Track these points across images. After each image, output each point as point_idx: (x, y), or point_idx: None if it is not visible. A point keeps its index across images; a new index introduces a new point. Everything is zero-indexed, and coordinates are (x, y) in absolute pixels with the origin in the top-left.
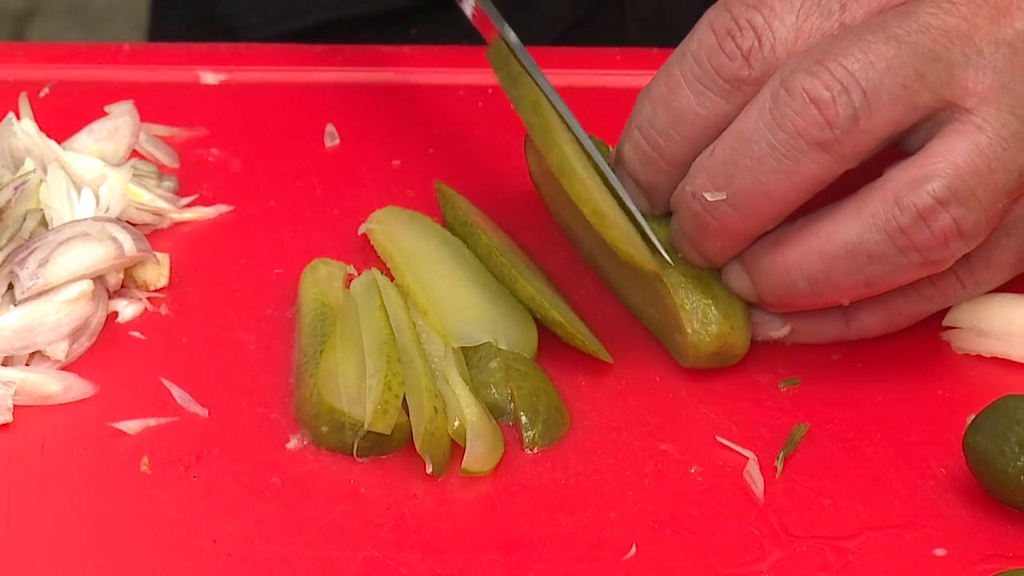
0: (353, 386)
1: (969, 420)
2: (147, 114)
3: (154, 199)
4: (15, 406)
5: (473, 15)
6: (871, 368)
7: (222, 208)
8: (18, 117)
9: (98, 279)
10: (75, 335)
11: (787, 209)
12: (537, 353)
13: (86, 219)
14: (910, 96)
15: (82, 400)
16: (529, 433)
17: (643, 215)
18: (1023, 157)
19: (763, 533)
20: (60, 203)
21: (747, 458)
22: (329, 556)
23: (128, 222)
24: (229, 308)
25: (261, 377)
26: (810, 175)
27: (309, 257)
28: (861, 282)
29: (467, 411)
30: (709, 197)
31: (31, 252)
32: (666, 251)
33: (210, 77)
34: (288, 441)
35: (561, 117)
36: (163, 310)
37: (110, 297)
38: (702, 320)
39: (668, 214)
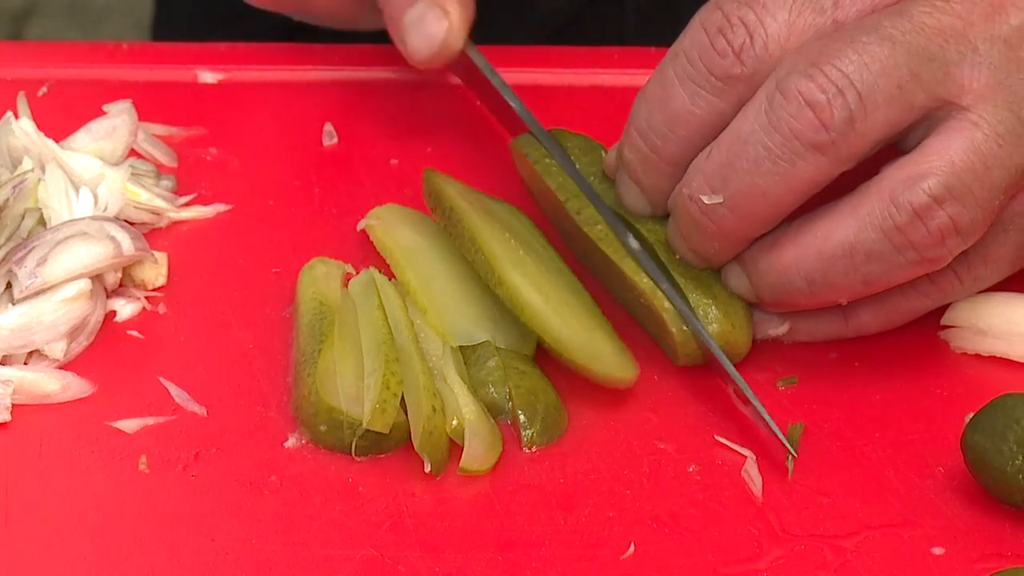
0: (351, 385)
1: (967, 419)
2: (145, 113)
3: (152, 198)
4: (13, 405)
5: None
6: (869, 367)
7: (220, 207)
8: (16, 116)
9: (96, 278)
10: (73, 334)
11: (784, 211)
12: (535, 352)
13: (84, 218)
14: (906, 96)
15: (80, 399)
16: (527, 432)
17: (643, 216)
18: (1020, 154)
19: (761, 532)
20: (58, 202)
21: (745, 457)
22: (327, 555)
23: (126, 221)
24: (227, 307)
25: (259, 376)
26: (806, 177)
27: (307, 256)
28: (859, 281)
29: (465, 410)
30: (706, 200)
31: (29, 251)
32: (664, 251)
33: (208, 76)
34: (286, 440)
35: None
36: (161, 309)
37: (108, 296)
38: (703, 319)
39: (667, 215)
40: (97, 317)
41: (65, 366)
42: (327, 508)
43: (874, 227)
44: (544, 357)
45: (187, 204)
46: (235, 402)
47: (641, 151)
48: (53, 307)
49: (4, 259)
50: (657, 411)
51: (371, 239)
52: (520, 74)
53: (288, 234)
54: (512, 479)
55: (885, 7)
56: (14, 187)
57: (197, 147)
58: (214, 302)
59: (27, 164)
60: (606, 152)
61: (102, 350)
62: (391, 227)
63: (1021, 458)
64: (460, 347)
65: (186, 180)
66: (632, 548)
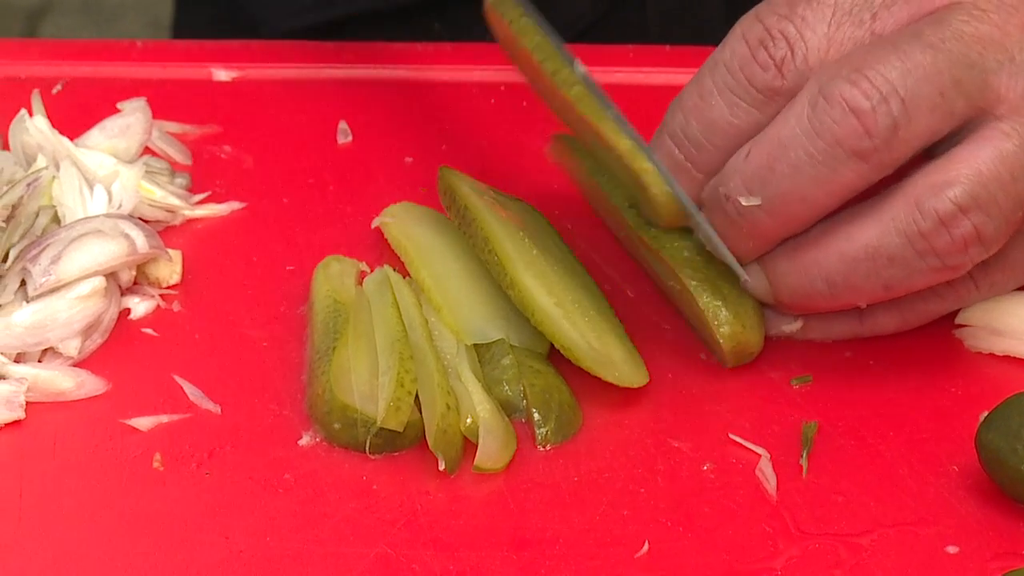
0: (365, 383)
1: (982, 418)
2: (160, 111)
3: (166, 196)
4: (28, 402)
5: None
6: (883, 365)
7: (234, 205)
8: (31, 114)
9: (110, 276)
10: (88, 332)
11: (820, 215)
12: (549, 350)
13: (98, 216)
14: (947, 104)
15: (95, 397)
16: (541, 430)
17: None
18: None
19: (776, 530)
20: (72, 200)
21: (760, 455)
22: (341, 553)
23: (140, 219)
24: (241, 305)
25: (273, 374)
26: (846, 183)
27: (321, 254)
28: (880, 285)
29: (479, 408)
30: (744, 201)
31: (43, 249)
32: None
33: (223, 74)
34: (300, 438)
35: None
36: (175, 307)
37: (122, 294)
38: (713, 320)
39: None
40: (111, 315)
41: (79, 364)
42: (341, 506)
43: (898, 232)
44: (558, 355)
45: (201, 202)
46: (249, 400)
47: (674, 158)
48: (67, 305)
49: (18, 257)
50: (671, 410)
51: (386, 237)
52: None
53: (302, 232)
54: (526, 477)
55: (923, 18)
56: (28, 185)
57: (211, 145)
58: (228, 300)
59: (41, 162)
60: None
61: (116, 348)
62: (406, 225)
63: None
64: (474, 345)
65: (200, 178)
66: (646, 546)
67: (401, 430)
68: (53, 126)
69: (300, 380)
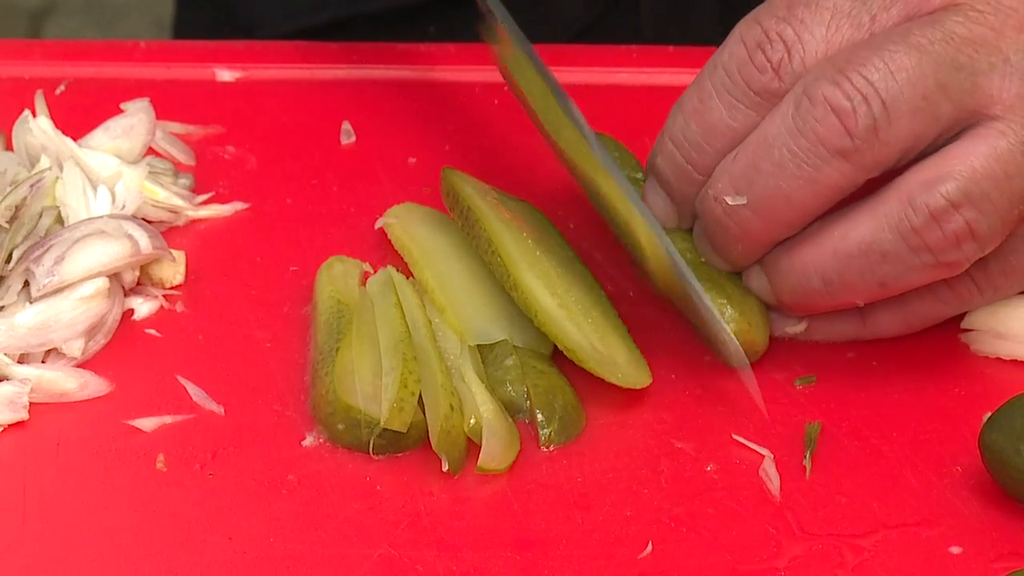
0: (369, 384)
1: (985, 418)
2: (163, 111)
3: (170, 196)
4: (31, 403)
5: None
6: (887, 366)
7: (238, 205)
8: (34, 114)
9: (114, 276)
10: (91, 332)
11: (808, 216)
12: (553, 351)
13: (102, 216)
14: (931, 107)
15: (98, 397)
16: (545, 431)
17: (670, 229)
18: None
19: (779, 531)
20: (76, 200)
21: (763, 456)
22: (345, 554)
23: (144, 219)
24: (245, 306)
25: (277, 375)
26: (830, 183)
27: (325, 255)
28: (875, 282)
29: (483, 409)
30: (730, 201)
31: (47, 249)
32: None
33: (226, 74)
34: (304, 439)
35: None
36: (179, 308)
37: (126, 295)
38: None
39: (690, 230)
40: (115, 316)
41: (83, 364)
42: (345, 507)
43: (891, 228)
44: (562, 356)
45: (205, 202)
46: (253, 401)
47: (675, 161)
48: (71, 305)
49: (22, 257)
50: (674, 410)
51: (389, 238)
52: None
53: (306, 232)
54: (530, 478)
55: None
56: (32, 185)
57: (215, 145)
58: (232, 301)
59: (45, 162)
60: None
61: (120, 348)
62: (409, 226)
63: None
64: (478, 346)
65: (204, 178)
66: (650, 547)
67: (405, 431)
68: (57, 127)
69: (303, 381)
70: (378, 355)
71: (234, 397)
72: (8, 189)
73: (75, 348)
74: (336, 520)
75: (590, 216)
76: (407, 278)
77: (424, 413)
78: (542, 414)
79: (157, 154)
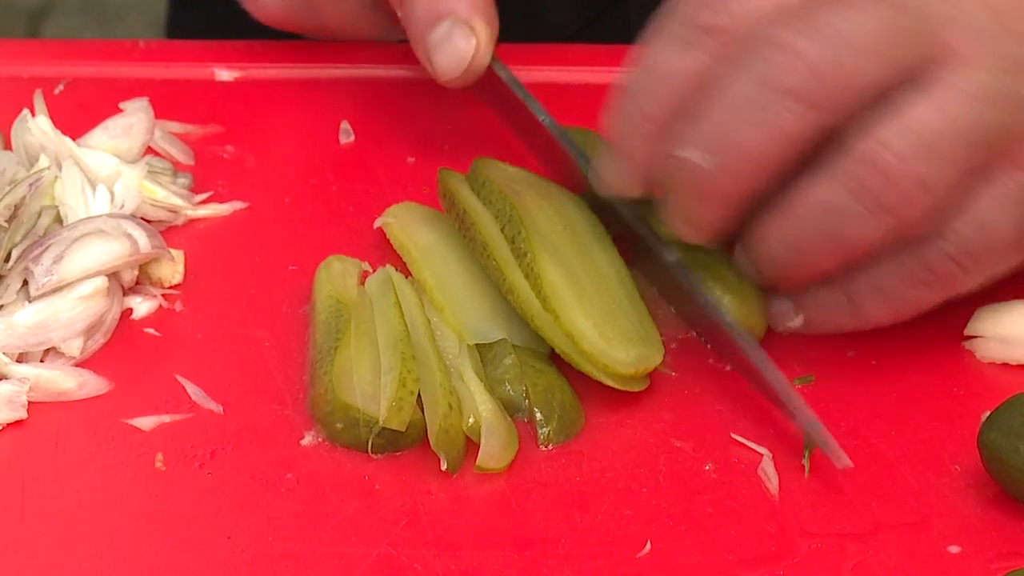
0: (368, 383)
1: (984, 417)
2: (162, 111)
3: (169, 196)
4: (30, 402)
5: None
6: (886, 366)
7: (237, 205)
8: (33, 114)
9: (113, 276)
10: (90, 331)
11: (769, 166)
12: (552, 350)
13: (101, 216)
14: (890, 50)
15: (97, 396)
16: (544, 430)
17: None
18: (993, 115)
19: (778, 530)
20: (75, 200)
21: (762, 455)
22: (343, 552)
23: (143, 219)
24: (244, 305)
25: (276, 374)
26: (787, 126)
27: (324, 254)
28: (830, 240)
29: (482, 408)
30: (688, 155)
31: (46, 249)
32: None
33: (225, 74)
34: (303, 438)
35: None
36: (178, 307)
37: (125, 294)
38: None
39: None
40: (114, 315)
41: (81, 364)
42: (343, 506)
43: (840, 183)
44: (560, 355)
45: (204, 202)
46: (252, 400)
47: (630, 116)
48: (70, 305)
49: (21, 257)
50: (673, 409)
51: (388, 237)
52: (535, 72)
53: (305, 232)
54: (528, 477)
55: None
56: (31, 185)
57: (214, 145)
58: (231, 300)
59: (44, 162)
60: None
61: (119, 348)
62: (407, 225)
63: None
64: (477, 345)
65: (203, 178)
66: (648, 546)
67: (403, 430)
68: (55, 126)
69: (302, 380)
70: (377, 354)
71: (233, 396)
72: (7, 188)
73: (74, 347)
74: (335, 519)
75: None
76: (406, 277)
77: (423, 412)
78: (541, 413)
79: (156, 153)
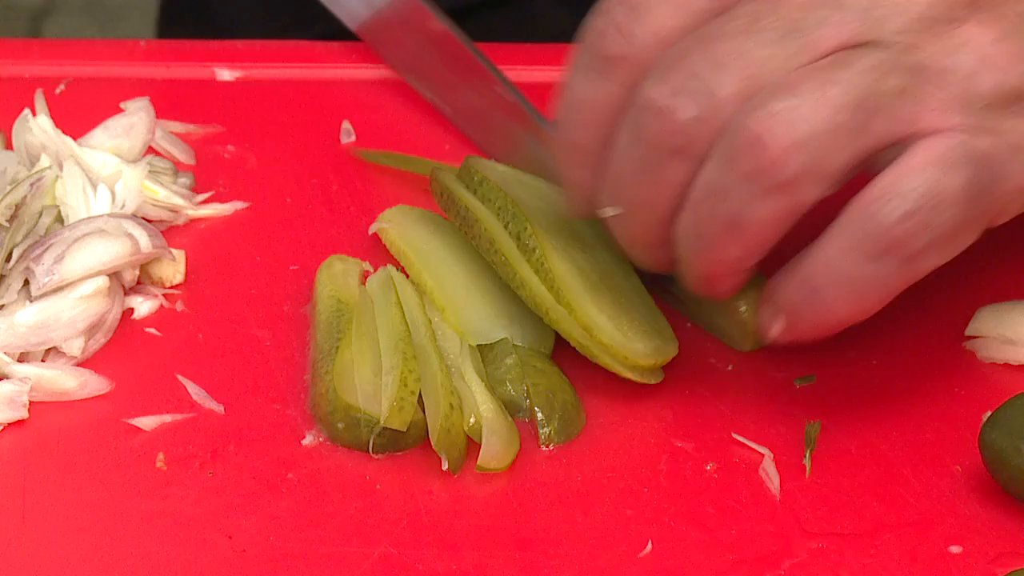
0: (369, 383)
1: (985, 417)
2: (163, 111)
3: (170, 196)
4: (31, 402)
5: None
6: (887, 366)
7: (238, 205)
8: (34, 113)
9: (114, 275)
10: (91, 331)
11: (664, 213)
12: (553, 350)
13: (102, 215)
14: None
15: (98, 396)
16: (545, 430)
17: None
18: (889, 82)
19: (779, 530)
20: (76, 199)
21: (763, 455)
22: (345, 552)
23: (144, 219)
24: (245, 304)
25: (277, 373)
26: (672, 179)
27: (325, 254)
28: (725, 222)
29: (483, 408)
30: (606, 212)
31: (47, 248)
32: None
33: (226, 74)
34: (304, 437)
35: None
36: (179, 307)
37: (126, 294)
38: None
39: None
40: (115, 315)
41: (82, 363)
42: (344, 506)
43: (719, 165)
44: (562, 355)
45: (205, 202)
46: (253, 400)
47: (563, 146)
48: (71, 304)
49: (22, 256)
50: (674, 409)
51: (384, 243)
52: (528, 72)
53: (306, 232)
54: (529, 477)
55: None
56: (32, 184)
57: (215, 145)
58: (232, 300)
59: (45, 161)
60: None
61: (119, 347)
62: (404, 229)
63: None
64: (478, 345)
65: (204, 178)
66: (650, 546)
67: (404, 430)
68: (56, 126)
69: (303, 380)
70: (378, 354)
71: (234, 396)
72: (8, 188)
73: (75, 347)
74: (336, 519)
75: None
76: (406, 277)
77: (424, 412)
78: (542, 413)
79: (157, 153)
